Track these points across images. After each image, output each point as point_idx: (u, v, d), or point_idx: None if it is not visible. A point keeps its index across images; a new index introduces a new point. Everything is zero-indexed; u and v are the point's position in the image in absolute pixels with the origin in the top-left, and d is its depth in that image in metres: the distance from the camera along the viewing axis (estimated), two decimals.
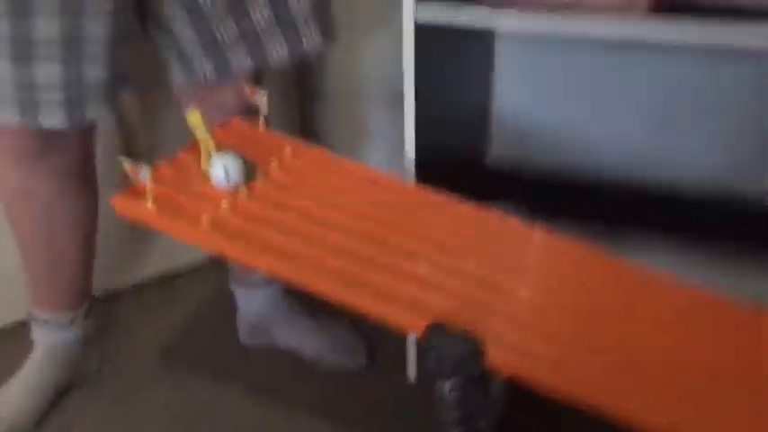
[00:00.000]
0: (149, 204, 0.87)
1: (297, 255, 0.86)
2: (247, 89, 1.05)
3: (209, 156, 0.95)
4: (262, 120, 1.07)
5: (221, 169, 0.92)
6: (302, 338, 1.45)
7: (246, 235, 0.87)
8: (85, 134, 1.21)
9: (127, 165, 0.85)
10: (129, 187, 0.89)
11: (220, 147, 0.97)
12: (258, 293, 1.45)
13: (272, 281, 1.43)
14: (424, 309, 0.81)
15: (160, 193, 0.89)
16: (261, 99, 1.04)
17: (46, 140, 1.12)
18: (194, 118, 0.93)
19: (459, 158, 1.48)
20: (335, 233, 0.90)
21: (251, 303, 1.47)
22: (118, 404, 1.34)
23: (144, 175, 0.85)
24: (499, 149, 1.63)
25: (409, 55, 1.11)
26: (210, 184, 0.93)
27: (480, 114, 1.59)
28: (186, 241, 0.87)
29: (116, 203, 0.88)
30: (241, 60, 1.10)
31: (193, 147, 0.98)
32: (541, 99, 1.57)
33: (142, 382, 1.39)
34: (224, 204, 0.90)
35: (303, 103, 1.78)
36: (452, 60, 1.35)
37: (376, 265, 0.86)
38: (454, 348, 0.76)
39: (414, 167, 1.19)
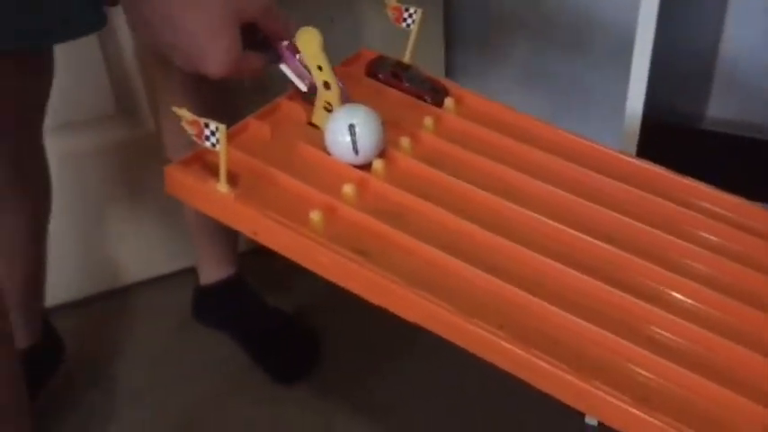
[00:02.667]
0: (221, 185, 0.51)
1: (465, 292, 0.48)
2: (390, 5, 0.67)
3: (327, 107, 0.59)
4: (409, 53, 0.69)
5: (346, 131, 0.55)
6: None
7: (382, 249, 0.50)
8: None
9: (188, 117, 0.50)
10: (191, 154, 0.54)
11: (347, 95, 0.60)
12: None
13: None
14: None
15: (240, 165, 0.54)
16: (412, 17, 0.66)
17: None
18: (309, 38, 0.56)
19: (681, 121, 1.05)
20: (531, 249, 0.51)
21: None
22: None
23: (215, 136, 0.50)
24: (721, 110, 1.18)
25: None
26: (327, 155, 0.57)
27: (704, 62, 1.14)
28: (279, 250, 0.51)
29: (170, 178, 0.53)
30: None
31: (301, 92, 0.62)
32: None
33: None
34: (347, 190, 0.53)
35: (449, 47, 1.35)
36: None
37: (607, 319, 0.47)
38: None
39: (638, 131, 0.78)
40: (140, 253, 1.24)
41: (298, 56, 0.58)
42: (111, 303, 1.24)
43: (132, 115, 1.15)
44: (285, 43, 0.58)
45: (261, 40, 0.57)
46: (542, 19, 1.27)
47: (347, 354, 1.15)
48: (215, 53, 0.52)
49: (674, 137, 1.07)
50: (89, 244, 1.19)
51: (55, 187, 0.99)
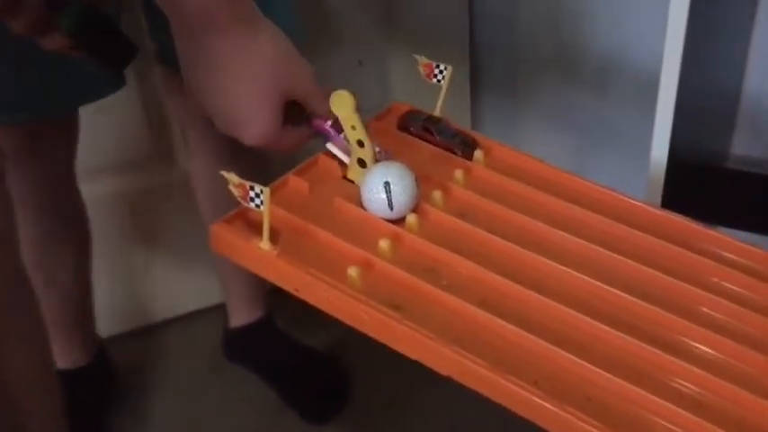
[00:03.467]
0: (264, 243, 0.54)
1: (498, 347, 0.50)
2: (421, 62, 0.69)
3: (362, 164, 0.61)
4: (439, 107, 0.71)
5: (381, 188, 0.57)
6: None
7: (417, 303, 0.52)
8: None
9: (234, 180, 0.53)
10: (234, 212, 0.56)
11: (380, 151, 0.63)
12: None
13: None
14: None
15: (281, 221, 0.56)
16: (442, 73, 0.68)
17: None
18: (342, 101, 0.59)
19: (706, 160, 1.06)
20: (562, 303, 0.53)
21: None
22: None
23: (259, 198, 0.52)
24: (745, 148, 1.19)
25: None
26: (362, 210, 0.59)
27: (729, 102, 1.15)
28: (320, 306, 0.53)
29: (215, 236, 0.56)
30: None
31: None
32: None
33: None
34: (383, 245, 0.56)
35: (475, 89, 1.37)
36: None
37: (638, 374, 0.49)
38: None
39: (663, 179, 0.79)
40: (170, 291, 1.27)
41: (342, 134, 0.61)
42: (142, 341, 1.27)
43: (168, 159, 1.19)
44: (329, 122, 0.62)
45: (306, 118, 0.61)
46: (568, 61, 1.30)
47: (378, 391, 1.16)
48: (255, 124, 0.56)
49: (699, 176, 1.08)
50: (120, 283, 1.23)
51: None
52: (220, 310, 1.22)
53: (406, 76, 1.22)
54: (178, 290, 1.27)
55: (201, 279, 1.26)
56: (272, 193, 0.58)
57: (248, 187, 0.52)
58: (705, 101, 1.07)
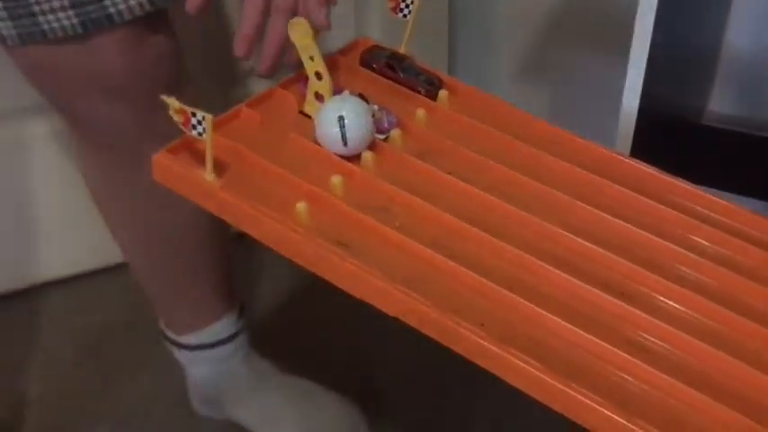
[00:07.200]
0: (208, 174, 0.51)
1: (448, 288, 0.48)
2: None
3: (319, 97, 0.58)
4: (405, 44, 0.68)
5: (335, 122, 0.54)
6: (268, 422, 0.99)
7: (366, 242, 0.50)
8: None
9: (175, 106, 0.50)
10: (179, 141, 0.53)
11: (339, 86, 0.60)
12: (208, 351, 0.96)
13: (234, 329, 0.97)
14: None
15: (229, 153, 0.54)
16: (408, 7, 0.65)
17: None
18: (300, 29, 0.56)
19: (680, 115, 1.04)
20: (519, 248, 0.51)
21: (198, 364, 0.99)
22: None
23: (201, 125, 0.49)
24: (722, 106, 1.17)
25: None
26: (316, 145, 0.56)
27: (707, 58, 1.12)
28: (263, 240, 0.51)
29: (157, 165, 0.53)
30: None
31: (295, 81, 0.62)
32: None
33: None
34: (335, 181, 0.53)
35: (453, 33, 1.33)
36: None
37: (592, 322, 0.47)
38: None
39: (633, 128, 0.77)
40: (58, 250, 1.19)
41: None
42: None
43: None
44: None
45: None
46: (544, 6, 1.26)
47: (332, 345, 1.14)
48: None
49: (672, 131, 1.06)
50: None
51: None
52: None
53: (380, 18, 1.18)
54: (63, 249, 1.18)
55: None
56: (222, 125, 0.55)
57: (190, 114, 0.49)
58: (682, 53, 1.04)
